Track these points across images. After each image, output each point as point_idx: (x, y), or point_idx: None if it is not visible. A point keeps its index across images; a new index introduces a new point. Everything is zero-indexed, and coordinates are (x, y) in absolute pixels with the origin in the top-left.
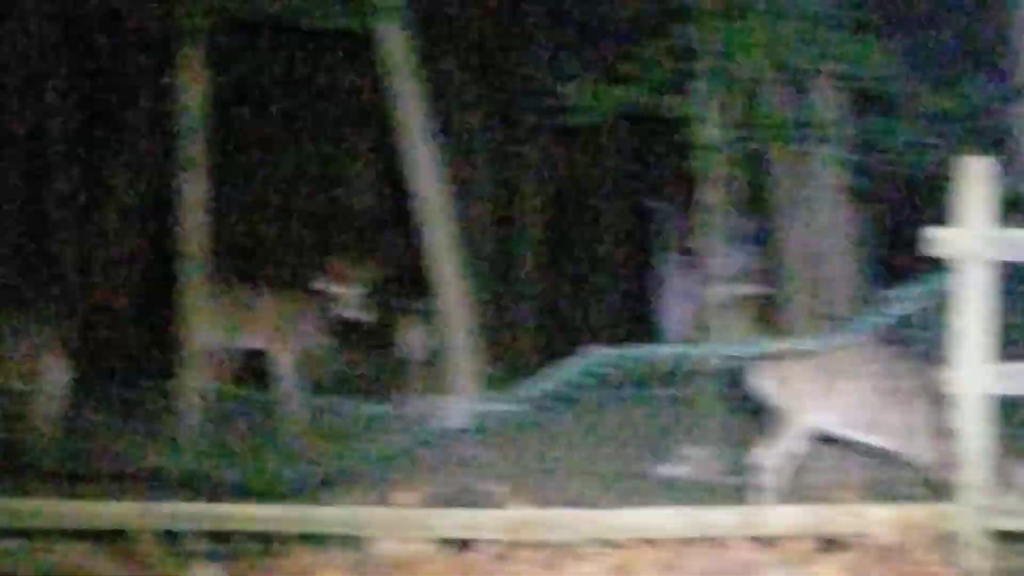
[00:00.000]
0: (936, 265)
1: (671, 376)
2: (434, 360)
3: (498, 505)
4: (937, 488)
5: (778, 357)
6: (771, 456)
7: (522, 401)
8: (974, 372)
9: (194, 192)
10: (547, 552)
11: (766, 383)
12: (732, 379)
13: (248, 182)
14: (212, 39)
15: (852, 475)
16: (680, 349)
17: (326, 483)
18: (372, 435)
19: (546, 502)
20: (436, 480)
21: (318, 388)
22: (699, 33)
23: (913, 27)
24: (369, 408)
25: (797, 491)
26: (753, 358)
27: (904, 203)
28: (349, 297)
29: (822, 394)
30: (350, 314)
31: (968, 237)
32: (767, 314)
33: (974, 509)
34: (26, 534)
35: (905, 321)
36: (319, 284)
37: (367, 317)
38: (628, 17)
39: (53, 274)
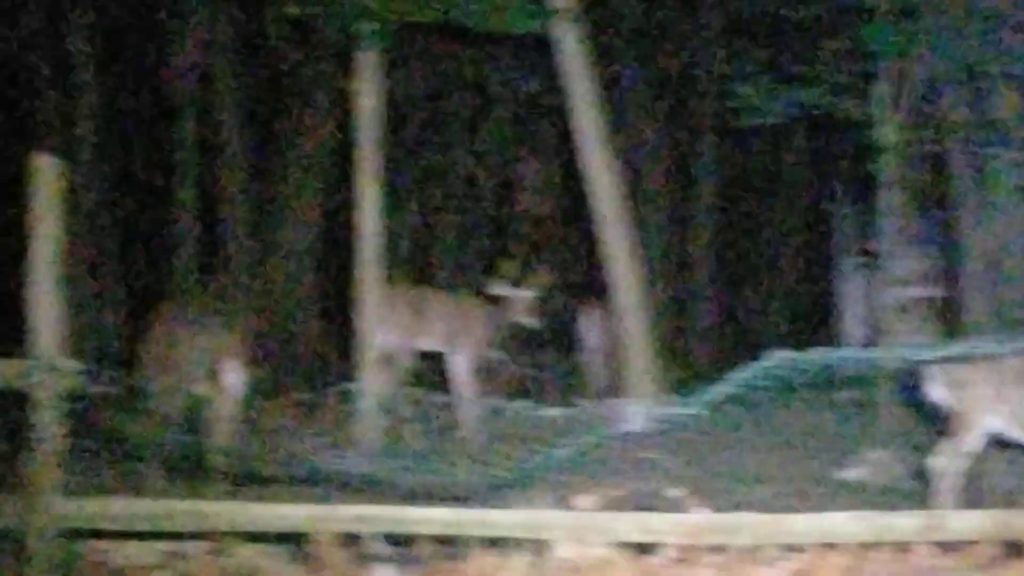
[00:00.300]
0: None
1: (851, 379)
2: (612, 363)
3: (678, 509)
4: None
5: (955, 360)
6: (949, 460)
7: (702, 405)
8: None
9: (370, 196)
10: (727, 556)
11: (941, 387)
12: (912, 382)
13: (424, 186)
14: (388, 45)
15: None
16: (860, 352)
17: (504, 486)
18: (551, 438)
19: (726, 506)
20: (615, 484)
21: (496, 391)
22: (877, 34)
23: None
24: (547, 411)
25: (980, 496)
26: (932, 361)
27: None
28: (522, 302)
29: (997, 398)
30: (523, 319)
31: None
32: (946, 316)
33: None
34: (206, 536)
35: None
36: (493, 288)
37: (537, 323)
38: (805, 18)
39: (231, 278)
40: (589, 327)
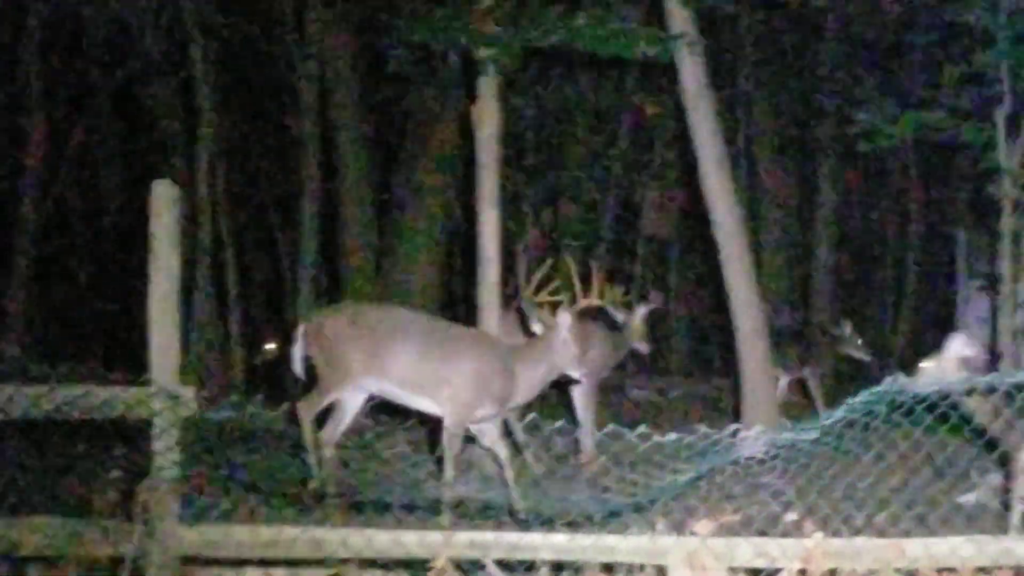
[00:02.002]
0: None
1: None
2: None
3: (796, 534)
4: None
5: None
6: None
7: (820, 430)
8: None
9: (490, 221)
10: None
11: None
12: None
13: (545, 211)
14: (511, 70)
15: None
16: (979, 377)
17: (622, 511)
18: (669, 463)
19: (843, 531)
20: (733, 509)
21: (617, 416)
22: (997, 58)
23: None
24: (666, 436)
25: None
26: None
27: None
28: (637, 326)
29: None
30: (637, 344)
31: None
32: None
33: None
34: (325, 563)
35: None
36: (609, 312)
37: (648, 348)
38: (926, 42)
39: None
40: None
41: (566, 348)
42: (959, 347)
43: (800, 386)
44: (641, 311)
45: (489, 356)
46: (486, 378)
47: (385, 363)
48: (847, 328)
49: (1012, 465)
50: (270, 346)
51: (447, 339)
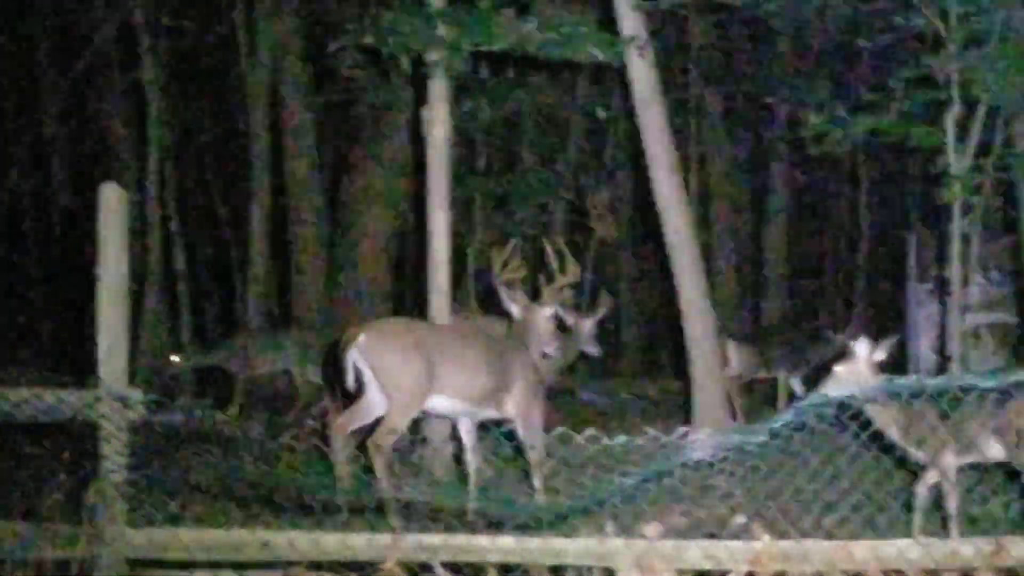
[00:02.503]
0: None
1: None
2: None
3: (744, 537)
4: None
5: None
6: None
7: (769, 433)
8: None
9: (440, 223)
10: None
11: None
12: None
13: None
14: (460, 73)
15: None
16: (928, 379)
17: (571, 515)
18: (618, 467)
19: (792, 533)
20: (682, 512)
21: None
22: (947, 62)
23: None
24: (614, 439)
25: None
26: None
27: None
28: (586, 329)
29: None
30: (586, 347)
31: None
32: (1013, 342)
33: None
34: (273, 565)
35: None
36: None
37: (599, 351)
38: (876, 46)
39: (302, 305)
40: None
41: (548, 324)
42: (865, 350)
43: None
44: (590, 321)
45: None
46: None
47: (453, 380)
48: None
49: (925, 473)
50: (175, 358)
51: (504, 350)
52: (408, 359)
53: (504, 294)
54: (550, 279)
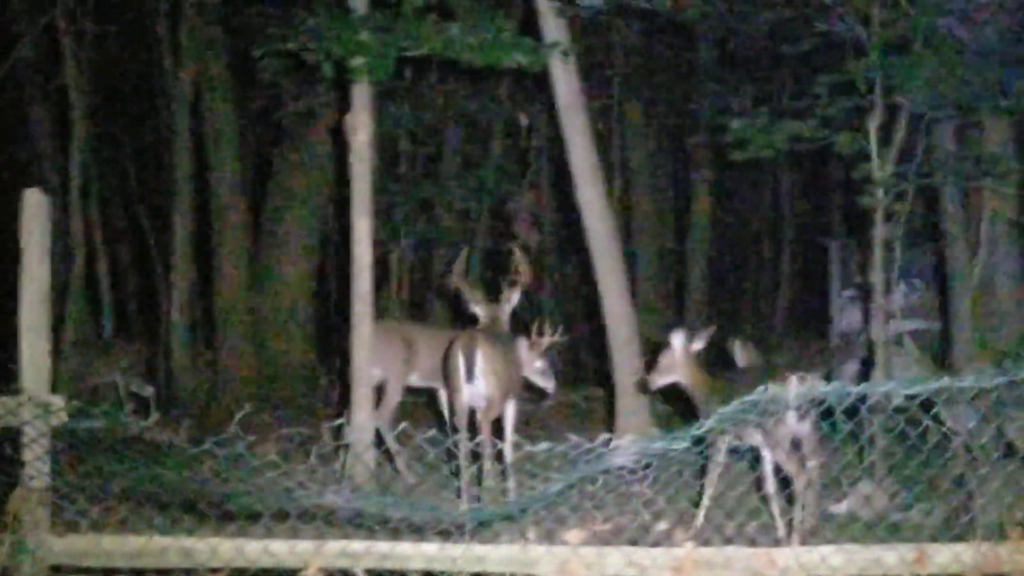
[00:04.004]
0: None
1: (844, 412)
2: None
3: (667, 543)
4: None
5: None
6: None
7: (692, 439)
8: None
9: (363, 229)
10: None
11: None
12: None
13: (419, 220)
14: (383, 79)
15: (1019, 512)
16: (851, 386)
17: (493, 521)
18: (539, 473)
19: (714, 540)
20: (604, 518)
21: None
22: (869, 68)
23: None
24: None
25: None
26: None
27: None
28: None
29: None
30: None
31: None
32: (935, 349)
33: None
34: (195, 572)
35: None
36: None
37: (551, 386)
38: (799, 52)
39: (225, 311)
40: None
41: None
42: (679, 342)
43: None
44: (537, 355)
45: None
46: None
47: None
48: None
49: (798, 480)
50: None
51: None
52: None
53: (467, 297)
54: (512, 283)
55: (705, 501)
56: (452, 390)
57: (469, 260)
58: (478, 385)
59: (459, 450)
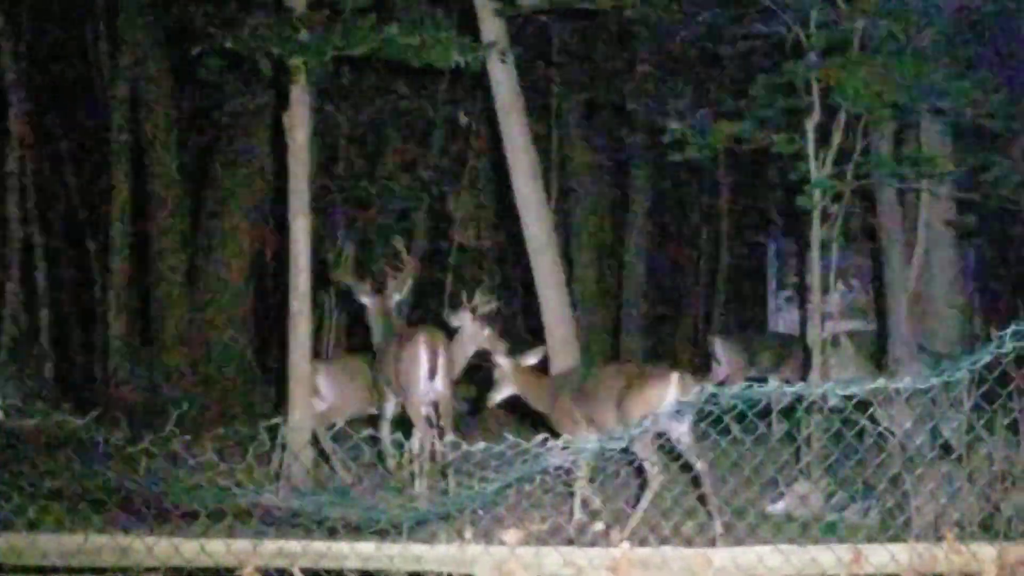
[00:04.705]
0: None
1: (781, 412)
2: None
3: (603, 543)
4: None
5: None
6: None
7: (628, 439)
8: None
9: (302, 228)
10: None
11: None
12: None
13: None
14: (321, 78)
15: (954, 512)
16: (787, 386)
17: (430, 520)
18: (476, 472)
19: (651, 540)
20: (541, 518)
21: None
22: (807, 70)
23: (1020, 63)
24: (474, 445)
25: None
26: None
27: (1011, 240)
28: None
29: None
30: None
31: None
32: (872, 350)
33: None
34: (130, 571)
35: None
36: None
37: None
38: (738, 54)
39: (163, 310)
40: None
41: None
42: (504, 361)
43: None
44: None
45: None
46: None
47: None
48: None
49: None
50: None
51: None
52: None
53: (354, 289)
54: (396, 271)
55: (644, 503)
56: (411, 390)
57: (342, 254)
58: (437, 383)
59: (420, 448)
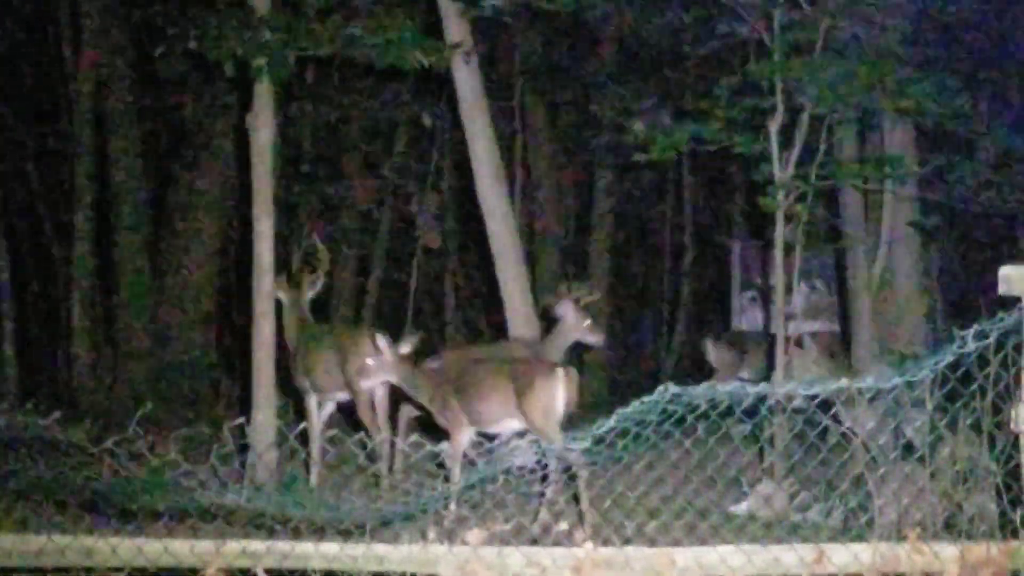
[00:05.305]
0: (1008, 304)
1: (744, 413)
2: None
3: (567, 543)
4: (1004, 525)
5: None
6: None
7: (592, 440)
8: None
9: (266, 229)
10: None
11: None
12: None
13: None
14: (284, 78)
15: (917, 512)
16: (750, 387)
17: (394, 521)
18: (440, 472)
19: (614, 540)
20: (505, 518)
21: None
22: (770, 71)
23: (983, 65)
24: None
25: (865, 529)
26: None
27: (974, 241)
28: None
29: None
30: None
31: None
32: (836, 350)
33: None
34: (94, 572)
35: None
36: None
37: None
38: (701, 54)
39: (127, 311)
40: None
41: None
42: (385, 344)
43: None
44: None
45: None
46: None
47: None
48: None
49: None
50: None
51: None
52: None
53: (308, 284)
54: (311, 270)
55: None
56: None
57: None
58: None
59: (383, 448)
